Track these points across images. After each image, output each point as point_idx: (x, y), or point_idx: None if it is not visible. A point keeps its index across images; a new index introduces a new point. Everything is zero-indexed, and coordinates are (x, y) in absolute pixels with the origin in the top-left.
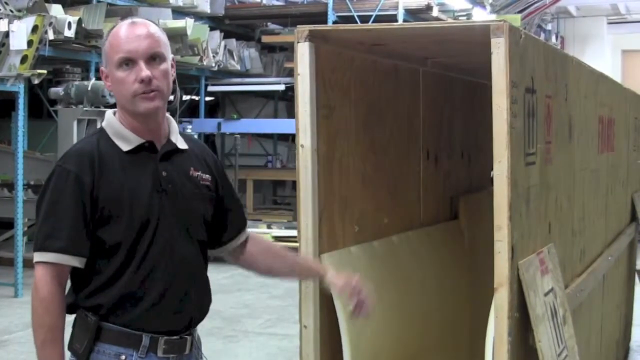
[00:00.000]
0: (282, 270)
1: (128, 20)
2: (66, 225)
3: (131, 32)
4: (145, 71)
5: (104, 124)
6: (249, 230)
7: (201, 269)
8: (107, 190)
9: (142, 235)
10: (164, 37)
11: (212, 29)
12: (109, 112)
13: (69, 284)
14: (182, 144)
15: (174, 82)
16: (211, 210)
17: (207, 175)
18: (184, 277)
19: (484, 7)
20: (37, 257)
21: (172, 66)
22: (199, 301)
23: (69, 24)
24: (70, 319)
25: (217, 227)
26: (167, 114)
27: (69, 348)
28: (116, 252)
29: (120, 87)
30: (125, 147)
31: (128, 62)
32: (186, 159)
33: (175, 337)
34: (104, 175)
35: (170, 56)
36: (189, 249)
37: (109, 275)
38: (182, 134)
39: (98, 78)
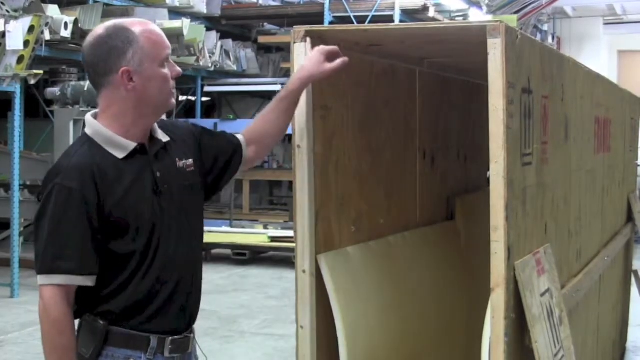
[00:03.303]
0: (280, 119)
1: (138, 19)
2: (74, 246)
3: (159, 30)
4: (178, 67)
5: (89, 132)
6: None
7: (200, 265)
8: (112, 202)
9: (150, 240)
10: None
11: (208, 29)
12: (90, 119)
13: None
14: (164, 137)
15: None
16: (203, 192)
17: (190, 160)
18: (186, 276)
19: (480, 7)
20: (45, 279)
21: None
22: (196, 298)
23: (66, 24)
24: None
25: (226, 166)
26: None
27: None
28: (128, 261)
29: (163, 84)
30: (120, 155)
31: (168, 58)
32: (170, 152)
33: (179, 336)
34: (107, 188)
35: None
36: (190, 248)
37: (120, 283)
38: (158, 123)
39: None
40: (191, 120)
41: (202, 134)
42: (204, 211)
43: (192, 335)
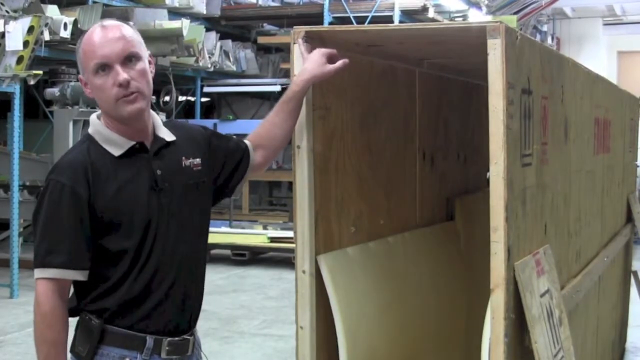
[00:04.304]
0: (286, 122)
1: (99, 24)
2: (66, 240)
3: (103, 37)
4: (122, 75)
5: (90, 130)
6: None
7: (201, 264)
8: (105, 199)
9: (145, 238)
10: (137, 36)
11: (208, 29)
12: (93, 118)
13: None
14: (169, 136)
15: (169, 82)
16: (211, 192)
17: (197, 159)
18: (185, 275)
19: (480, 8)
20: (38, 273)
21: (150, 62)
22: (197, 297)
23: (65, 24)
24: (72, 320)
25: (234, 170)
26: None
27: (71, 351)
28: (121, 258)
29: (100, 93)
30: (116, 152)
31: (104, 67)
32: (176, 150)
33: (177, 338)
34: (99, 185)
35: (146, 54)
36: (190, 246)
37: (115, 281)
38: (166, 122)
39: None
40: (190, 121)
41: (212, 136)
42: (210, 211)
43: (192, 337)
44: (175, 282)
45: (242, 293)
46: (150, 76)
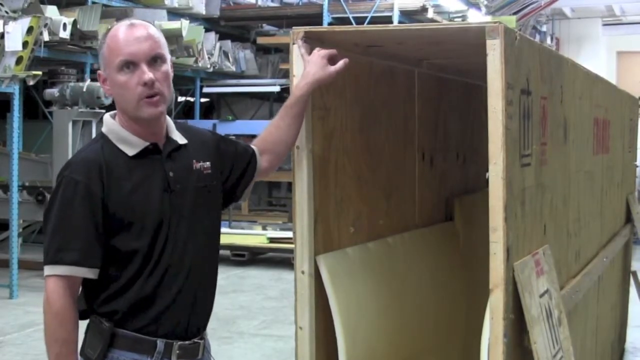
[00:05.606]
0: (291, 127)
1: (126, 22)
2: (78, 237)
3: (131, 34)
4: (148, 74)
5: (104, 129)
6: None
7: (212, 267)
8: (118, 198)
9: (156, 239)
10: (162, 39)
11: (207, 30)
12: (107, 117)
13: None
14: (181, 139)
15: None
16: (221, 195)
17: (207, 163)
18: (195, 277)
19: (479, 8)
20: (49, 270)
21: (170, 66)
22: (207, 300)
23: (64, 25)
24: (82, 323)
25: (242, 174)
26: None
27: (81, 354)
28: (132, 259)
29: (123, 91)
30: (130, 152)
31: (129, 65)
32: (188, 153)
33: (188, 342)
34: (113, 183)
35: (169, 56)
36: (201, 248)
37: (125, 281)
38: (177, 125)
39: (93, 79)
40: (190, 122)
41: (220, 141)
42: (220, 214)
43: (202, 341)
44: (185, 284)
45: (242, 293)
46: (171, 79)
